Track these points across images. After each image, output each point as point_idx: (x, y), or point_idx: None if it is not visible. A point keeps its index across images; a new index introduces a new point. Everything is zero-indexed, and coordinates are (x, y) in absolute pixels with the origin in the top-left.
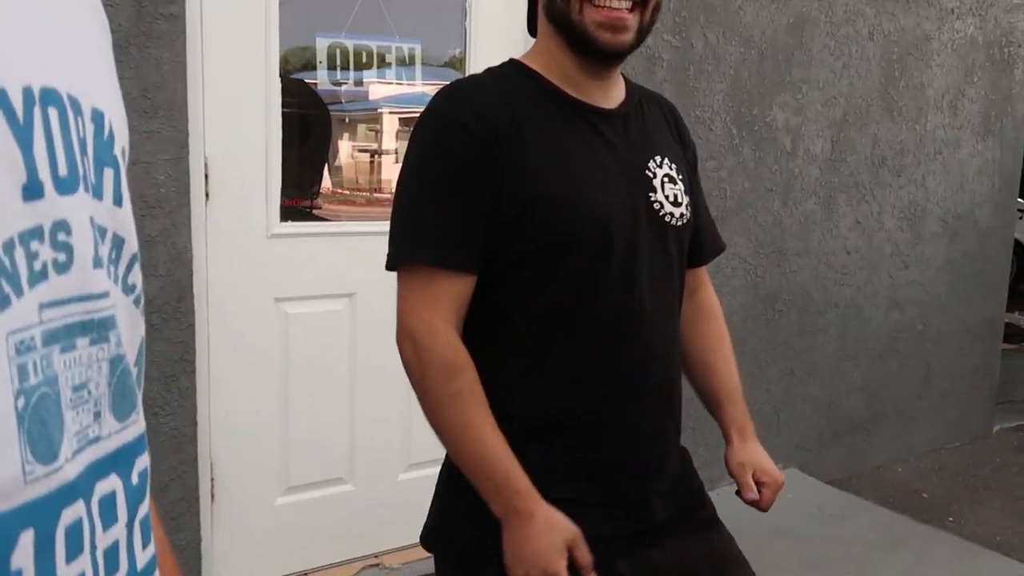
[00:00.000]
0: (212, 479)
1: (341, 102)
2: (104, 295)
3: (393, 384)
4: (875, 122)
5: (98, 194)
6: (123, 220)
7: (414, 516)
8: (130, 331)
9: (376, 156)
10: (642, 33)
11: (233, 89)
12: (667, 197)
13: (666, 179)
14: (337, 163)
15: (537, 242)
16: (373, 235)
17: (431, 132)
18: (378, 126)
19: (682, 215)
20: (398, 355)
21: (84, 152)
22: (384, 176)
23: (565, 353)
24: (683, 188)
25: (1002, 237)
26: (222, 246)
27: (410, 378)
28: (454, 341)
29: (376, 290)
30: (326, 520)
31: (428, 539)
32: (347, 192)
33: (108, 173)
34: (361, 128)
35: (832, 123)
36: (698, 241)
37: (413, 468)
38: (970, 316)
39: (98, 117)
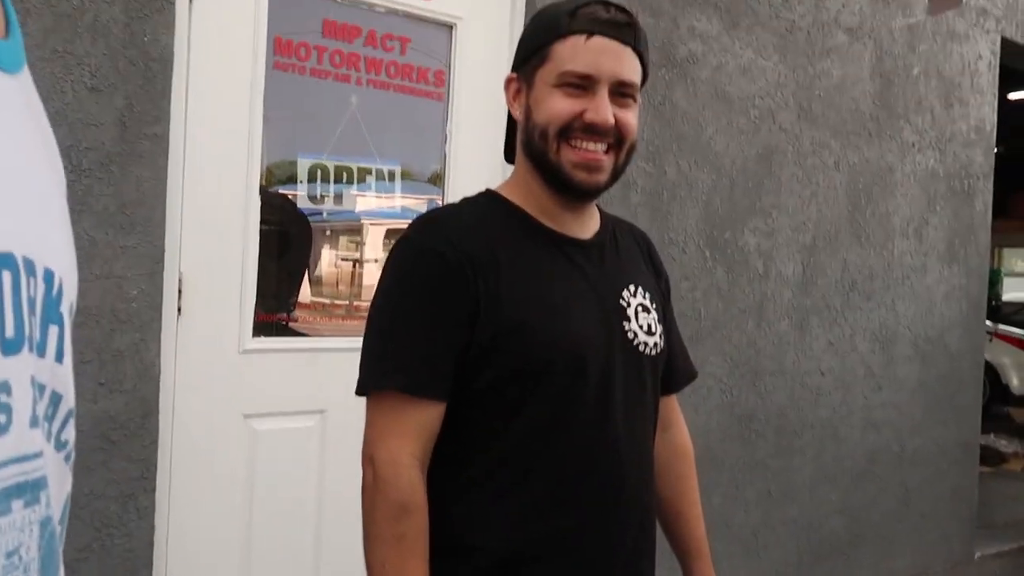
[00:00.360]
0: None
1: (322, 215)
2: (38, 455)
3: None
4: (844, 247)
5: (41, 351)
6: (63, 376)
7: None
8: (58, 488)
9: (357, 265)
10: (616, 172)
11: (213, 206)
12: (640, 326)
13: (640, 308)
14: (318, 273)
15: (510, 370)
16: (346, 351)
17: (406, 259)
18: (359, 237)
19: (655, 344)
20: None
21: (32, 311)
22: (365, 283)
23: (537, 482)
24: (656, 317)
25: (973, 360)
26: (191, 361)
27: (362, 503)
28: (414, 480)
29: (348, 407)
30: None
31: None
32: (327, 302)
33: (53, 330)
34: (343, 239)
35: (802, 247)
36: (671, 368)
37: None
38: (946, 438)
39: (48, 276)
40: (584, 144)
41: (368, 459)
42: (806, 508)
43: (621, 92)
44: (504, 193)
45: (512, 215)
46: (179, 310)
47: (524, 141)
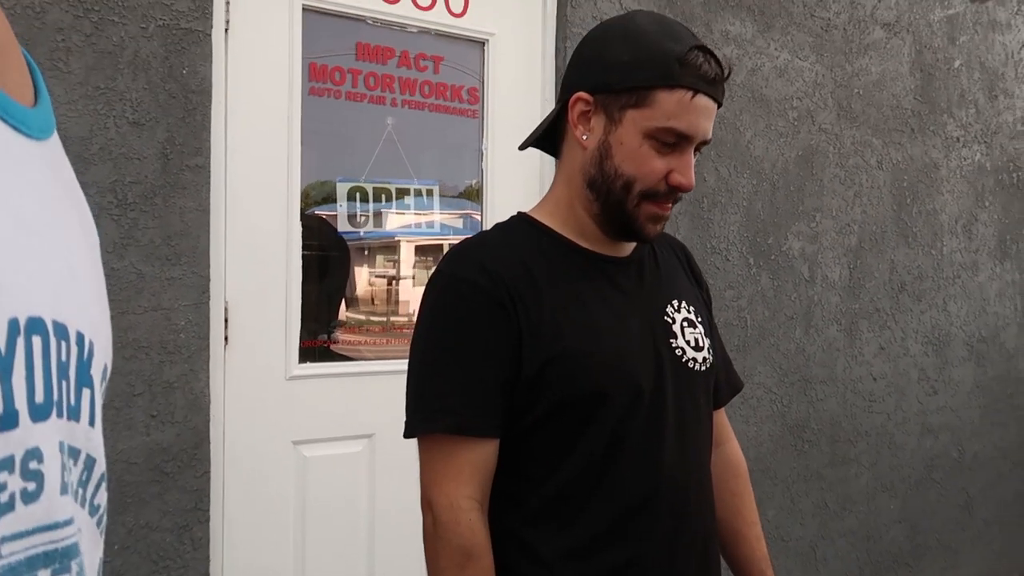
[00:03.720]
0: None
1: (359, 233)
2: (69, 522)
3: (413, 528)
4: (891, 248)
5: (75, 416)
6: (96, 440)
7: None
8: (91, 555)
9: (393, 282)
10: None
11: (254, 234)
12: (688, 342)
13: (685, 323)
14: (356, 292)
15: (561, 399)
16: (391, 374)
17: (443, 294)
18: (396, 255)
19: (704, 359)
20: (418, 499)
21: (64, 376)
22: (401, 299)
23: (595, 514)
24: (703, 331)
25: None
26: (240, 390)
27: (425, 549)
28: (476, 523)
29: (394, 431)
30: None
31: None
32: (364, 319)
33: (86, 394)
34: (379, 257)
35: (848, 250)
36: (716, 381)
37: None
38: (1006, 441)
39: (80, 340)
40: (664, 202)
41: (427, 505)
42: (865, 519)
43: (696, 148)
44: (537, 216)
45: (547, 238)
46: (226, 339)
47: (593, 176)
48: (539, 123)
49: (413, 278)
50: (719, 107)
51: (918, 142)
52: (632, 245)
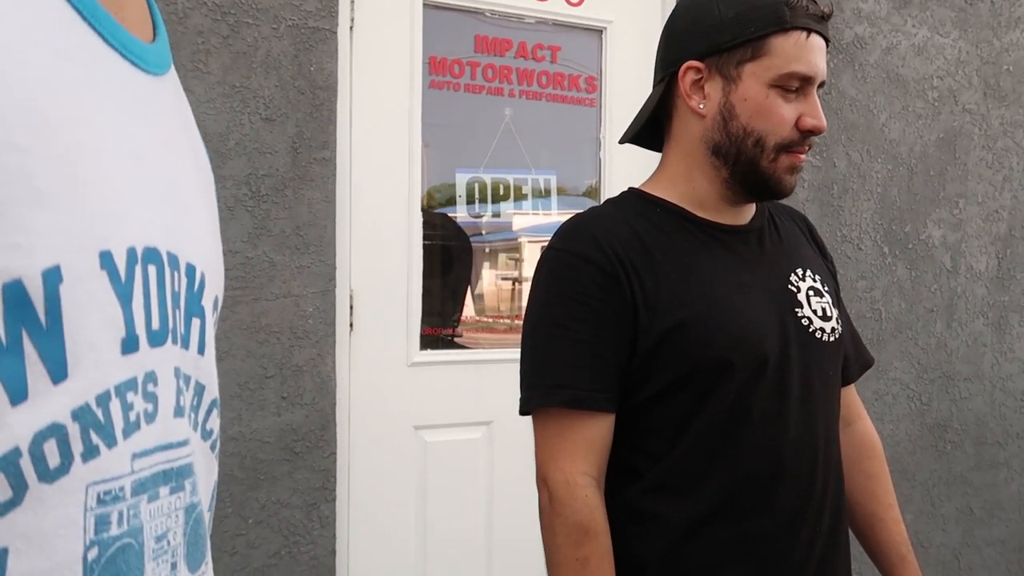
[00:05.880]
0: None
1: (482, 233)
2: (184, 443)
3: (532, 515)
4: None
5: (185, 344)
6: (206, 368)
7: None
8: (206, 477)
9: (517, 283)
10: None
11: (378, 224)
12: (815, 311)
13: (811, 292)
14: (479, 291)
15: (681, 370)
16: (510, 362)
17: (555, 269)
18: (518, 255)
19: (833, 329)
20: (535, 487)
21: (176, 304)
22: (524, 302)
23: (715, 488)
24: (831, 300)
25: None
26: (364, 375)
27: (541, 526)
28: (592, 500)
29: (513, 418)
30: None
31: None
32: (489, 320)
33: (195, 323)
34: (502, 257)
35: (996, 238)
36: (845, 357)
37: None
38: None
39: (191, 271)
40: (799, 150)
41: (542, 481)
42: (1016, 528)
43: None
44: (649, 189)
45: (661, 210)
46: (351, 326)
47: (717, 141)
48: (637, 113)
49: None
50: (828, 45)
51: None
52: (751, 214)
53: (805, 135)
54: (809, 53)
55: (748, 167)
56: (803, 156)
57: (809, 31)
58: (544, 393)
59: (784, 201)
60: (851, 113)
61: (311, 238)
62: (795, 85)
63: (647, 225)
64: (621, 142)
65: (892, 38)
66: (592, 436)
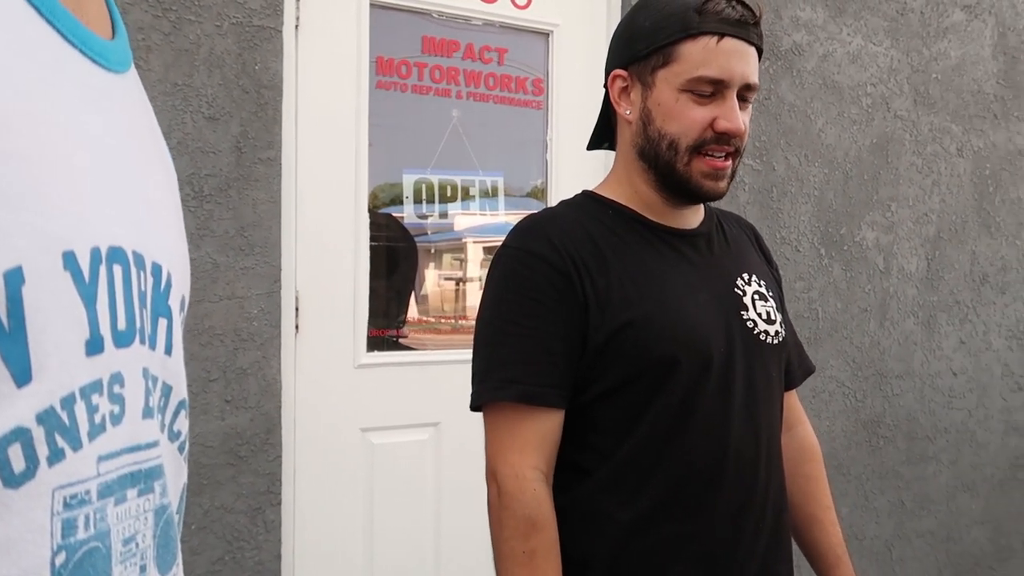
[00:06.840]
0: None
1: (427, 233)
2: (153, 444)
3: (480, 515)
4: (972, 238)
5: (152, 344)
6: (173, 368)
7: None
8: (174, 478)
9: (461, 284)
10: (732, 177)
11: (324, 225)
12: (760, 315)
13: (756, 296)
14: (423, 292)
15: (630, 368)
16: (458, 363)
17: (510, 266)
18: (463, 255)
19: (777, 332)
20: (484, 487)
21: (143, 304)
22: (469, 303)
23: (660, 486)
24: (775, 305)
25: None
26: (310, 377)
27: (489, 520)
28: (540, 493)
29: (460, 420)
30: None
31: None
32: (433, 320)
33: (162, 323)
34: (446, 257)
35: (926, 240)
36: (787, 362)
37: None
38: None
39: (157, 270)
40: (715, 153)
41: (491, 475)
42: (944, 519)
43: (743, 96)
44: (602, 192)
45: (613, 212)
46: (297, 327)
47: (640, 145)
48: (597, 117)
49: (480, 279)
50: (759, 51)
51: (1001, 128)
52: (699, 218)
53: (719, 137)
54: (719, 57)
55: (666, 169)
56: (722, 163)
57: (721, 35)
58: (495, 388)
59: (725, 204)
60: (789, 118)
61: (256, 239)
62: (707, 90)
63: (599, 227)
64: (588, 149)
65: (828, 46)
66: (542, 431)
